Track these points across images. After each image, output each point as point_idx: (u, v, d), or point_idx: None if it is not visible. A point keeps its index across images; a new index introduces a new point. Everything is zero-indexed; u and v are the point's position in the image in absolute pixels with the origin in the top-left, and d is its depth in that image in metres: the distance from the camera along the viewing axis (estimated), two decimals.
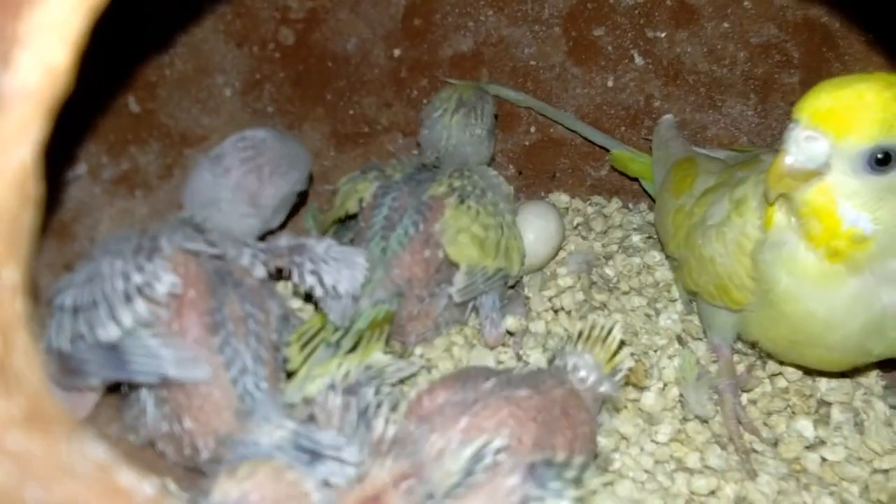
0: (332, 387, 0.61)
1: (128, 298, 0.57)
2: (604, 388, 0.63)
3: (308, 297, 0.75)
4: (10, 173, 0.27)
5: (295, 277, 0.68)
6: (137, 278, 0.58)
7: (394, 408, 0.60)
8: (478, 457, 0.51)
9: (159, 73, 0.82)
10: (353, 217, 0.80)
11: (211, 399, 0.59)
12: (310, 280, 0.67)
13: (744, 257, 0.65)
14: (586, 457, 0.59)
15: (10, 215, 0.27)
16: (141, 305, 0.57)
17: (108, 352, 0.57)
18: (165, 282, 0.58)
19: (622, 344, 0.65)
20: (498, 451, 0.51)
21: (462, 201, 0.76)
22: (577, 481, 0.54)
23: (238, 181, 0.70)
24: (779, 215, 0.62)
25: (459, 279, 0.74)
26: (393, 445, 0.52)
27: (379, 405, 0.57)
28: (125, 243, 0.61)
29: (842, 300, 0.60)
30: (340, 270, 0.68)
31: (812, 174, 0.57)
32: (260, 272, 0.67)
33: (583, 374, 0.63)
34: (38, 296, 0.60)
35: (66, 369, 0.58)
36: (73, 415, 0.31)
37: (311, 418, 0.61)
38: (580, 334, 0.64)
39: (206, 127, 0.86)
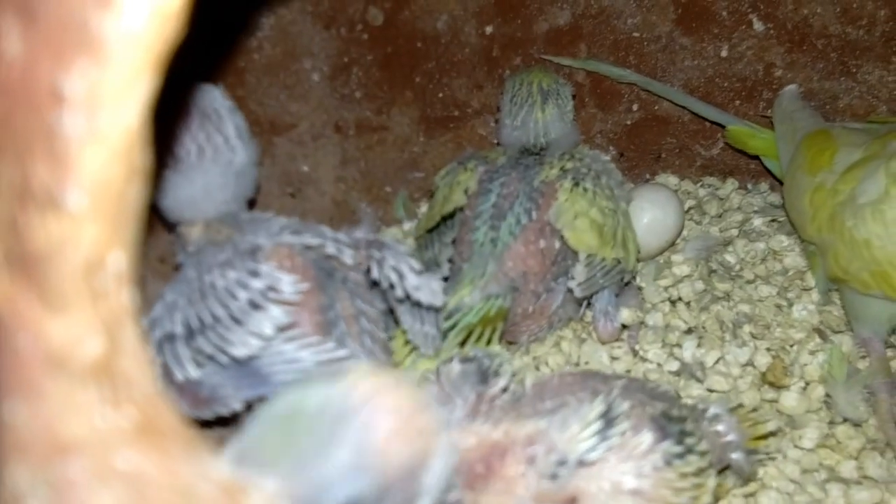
0: (448, 360, 0.56)
1: (255, 306, 0.51)
2: (735, 456, 0.54)
3: None
4: (114, 138, 0.22)
5: (374, 273, 0.60)
6: (257, 283, 0.52)
7: (518, 379, 0.55)
8: (609, 419, 0.46)
9: (248, 59, 0.79)
10: (451, 216, 0.73)
11: None
12: (391, 277, 0.59)
13: None
14: None
15: (115, 190, 0.23)
16: (275, 310, 0.51)
17: (243, 369, 0.52)
18: (287, 280, 0.53)
19: (771, 434, 0.58)
20: (628, 415, 0.46)
21: (577, 184, 0.69)
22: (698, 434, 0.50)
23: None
24: None
25: (580, 271, 0.67)
26: (512, 408, 0.47)
27: (499, 369, 0.51)
28: (219, 253, 0.55)
29: None
30: (420, 280, 0.60)
31: None
32: (349, 258, 0.60)
33: (721, 428, 0.54)
34: (144, 287, 0.56)
35: (198, 400, 0.52)
36: (192, 426, 0.26)
37: None
38: (734, 408, 0.57)
39: (294, 114, 0.83)
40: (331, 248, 0.59)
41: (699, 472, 0.47)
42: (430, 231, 0.74)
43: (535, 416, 0.45)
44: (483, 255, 0.68)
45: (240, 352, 0.51)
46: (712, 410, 0.54)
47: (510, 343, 0.73)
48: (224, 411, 0.53)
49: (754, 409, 0.59)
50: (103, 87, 0.22)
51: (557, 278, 0.70)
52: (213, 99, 0.61)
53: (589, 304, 0.74)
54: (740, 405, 0.60)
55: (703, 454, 0.48)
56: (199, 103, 0.60)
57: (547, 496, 0.43)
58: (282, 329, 0.52)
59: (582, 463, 0.44)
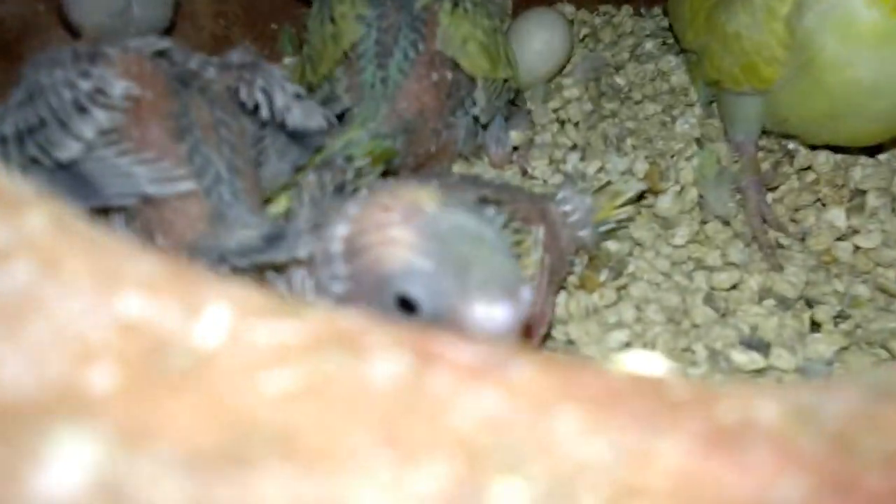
0: (304, 175, 0.56)
1: (80, 108, 0.51)
2: (583, 233, 0.57)
3: None
4: None
5: (243, 95, 0.57)
6: (85, 84, 0.51)
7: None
8: None
9: None
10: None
11: (182, 212, 0.53)
12: (258, 98, 0.57)
13: (775, 23, 0.58)
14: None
15: None
16: (99, 113, 0.51)
17: (76, 180, 0.51)
18: (118, 85, 0.51)
19: (629, 202, 0.60)
20: None
21: (456, 4, 0.67)
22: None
23: None
24: None
25: (480, 96, 0.66)
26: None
27: (357, 182, 0.51)
28: (60, 54, 0.54)
29: (894, 64, 0.55)
30: (293, 103, 0.58)
31: None
32: (212, 74, 0.57)
33: (568, 208, 0.56)
34: None
35: None
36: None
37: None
38: (602, 185, 0.59)
39: None
40: (193, 64, 0.57)
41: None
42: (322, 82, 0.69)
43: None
44: (374, 97, 0.65)
45: (62, 154, 0.50)
46: (560, 194, 0.55)
47: None
48: None
49: (610, 183, 0.63)
50: None
51: (455, 112, 0.69)
52: None
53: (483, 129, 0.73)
54: (608, 182, 0.63)
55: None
56: None
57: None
58: (105, 133, 0.51)
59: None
